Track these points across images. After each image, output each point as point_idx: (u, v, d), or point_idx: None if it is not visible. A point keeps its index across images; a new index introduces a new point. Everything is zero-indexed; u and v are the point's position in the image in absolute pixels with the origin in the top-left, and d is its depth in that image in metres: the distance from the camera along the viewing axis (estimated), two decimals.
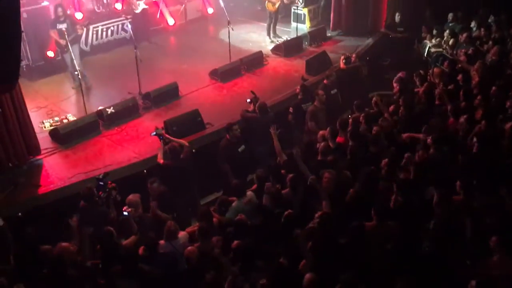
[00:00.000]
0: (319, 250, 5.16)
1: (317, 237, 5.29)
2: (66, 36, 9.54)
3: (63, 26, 9.64)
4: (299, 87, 9.08)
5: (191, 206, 7.53)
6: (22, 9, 6.06)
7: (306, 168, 6.66)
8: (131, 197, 6.37)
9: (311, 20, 13.66)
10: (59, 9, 9.72)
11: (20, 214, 6.78)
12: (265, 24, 13.03)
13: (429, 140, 6.73)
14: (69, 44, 9.56)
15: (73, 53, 9.63)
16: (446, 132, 7.12)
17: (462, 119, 7.11)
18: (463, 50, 9.88)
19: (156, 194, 6.72)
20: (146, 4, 12.30)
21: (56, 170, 7.81)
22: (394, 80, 8.99)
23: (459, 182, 5.78)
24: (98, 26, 11.95)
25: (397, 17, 12.23)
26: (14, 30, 4.06)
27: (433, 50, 11.06)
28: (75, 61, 9.50)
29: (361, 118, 7.70)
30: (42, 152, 8.09)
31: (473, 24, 10.98)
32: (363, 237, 5.31)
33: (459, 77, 8.54)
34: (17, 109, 7.49)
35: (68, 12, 10.47)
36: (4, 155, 7.38)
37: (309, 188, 6.31)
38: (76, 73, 9.46)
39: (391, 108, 7.97)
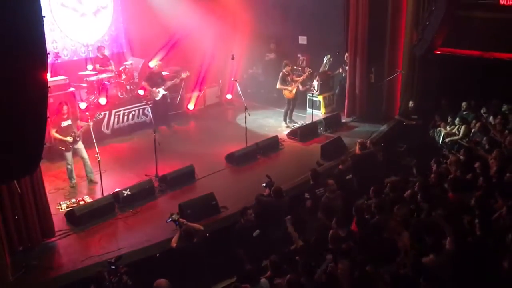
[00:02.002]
0: None
1: None
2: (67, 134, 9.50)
3: (66, 124, 9.58)
4: (310, 172, 9.07)
5: None
6: (49, 95, 6.36)
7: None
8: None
9: (326, 106, 13.99)
10: (65, 107, 9.56)
11: None
12: (281, 110, 13.38)
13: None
14: (71, 141, 9.57)
15: (79, 147, 9.75)
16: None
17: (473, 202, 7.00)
18: (476, 139, 9.97)
19: None
20: (165, 90, 12.76)
21: (69, 253, 7.75)
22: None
23: None
24: (120, 111, 12.40)
25: (410, 105, 12.49)
26: (40, 118, 4.30)
27: (447, 138, 11.14)
28: (84, 153, 9.77)
29: (373, 206, 7.52)
30: (57, 233, 8.08)
31: (483, 110, 11.15)
32: None
33: (477, 165, 8.49)
34: (36, 192, 7.57)
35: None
36: (17, 238, 7.31)
37: (328, 275, 6.12)
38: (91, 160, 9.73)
39: (408, 193, 7.90)
